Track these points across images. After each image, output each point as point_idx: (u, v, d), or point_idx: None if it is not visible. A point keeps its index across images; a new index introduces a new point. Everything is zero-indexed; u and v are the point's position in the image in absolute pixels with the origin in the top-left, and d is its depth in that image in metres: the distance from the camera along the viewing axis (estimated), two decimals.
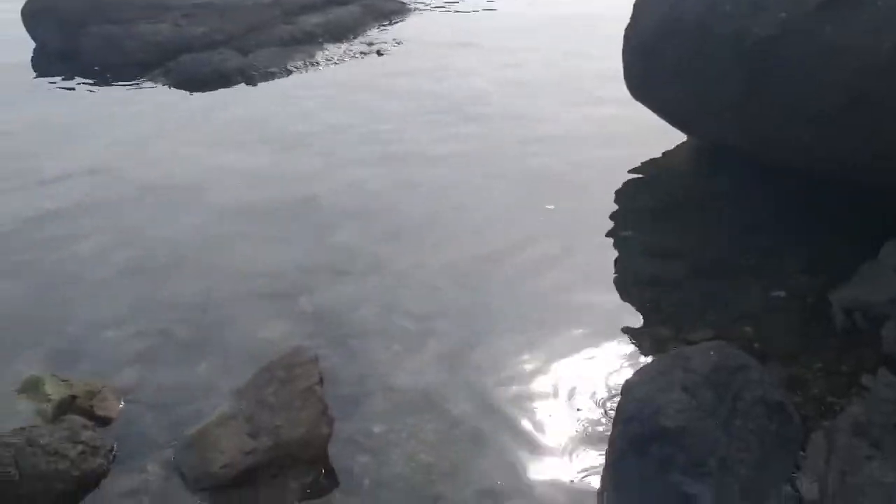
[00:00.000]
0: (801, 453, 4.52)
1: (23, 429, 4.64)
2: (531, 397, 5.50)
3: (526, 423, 5.28)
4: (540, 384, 5.62)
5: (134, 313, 6.53)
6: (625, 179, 8.69)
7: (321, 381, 5.07)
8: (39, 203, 8.57)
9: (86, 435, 4.71)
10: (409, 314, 6.47)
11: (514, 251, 7.28)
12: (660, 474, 4.07)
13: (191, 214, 8.29)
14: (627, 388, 4.63)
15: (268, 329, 6.25)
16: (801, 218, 7.31)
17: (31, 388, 5.28)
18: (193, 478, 4.64)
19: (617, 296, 6.57)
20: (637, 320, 6.18)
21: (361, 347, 6.06)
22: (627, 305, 6.40)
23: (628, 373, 5.22)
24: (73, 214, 8.36)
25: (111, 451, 4.87)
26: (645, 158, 9.11)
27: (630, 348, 5.88)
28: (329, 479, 4.90)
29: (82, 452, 4.61)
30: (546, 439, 5.16)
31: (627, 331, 6.06)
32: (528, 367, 5.78)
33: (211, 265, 7.27)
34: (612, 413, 4.93)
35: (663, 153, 9.21)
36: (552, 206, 8.10)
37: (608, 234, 7.56)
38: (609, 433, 4.56)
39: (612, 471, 4.37)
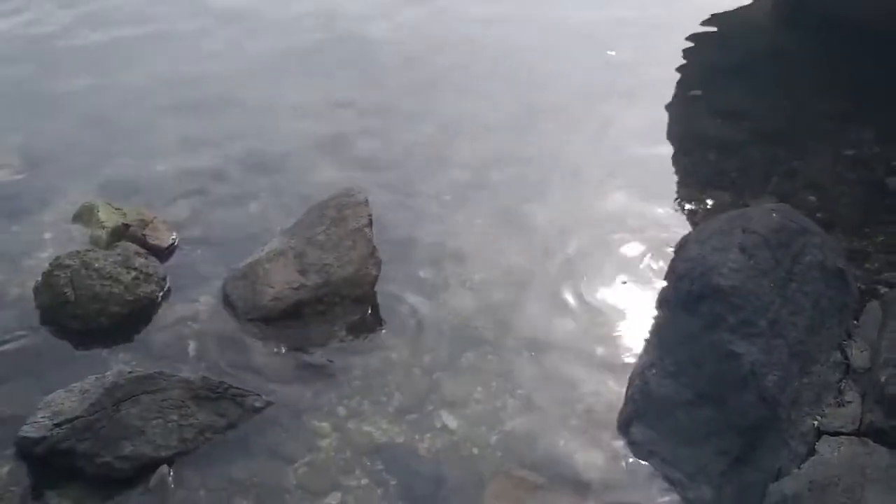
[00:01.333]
0: (855, 322, 4.41)
1: (78, 252, 4.73)
2: (582, 252, 5.43)
3: (575, 276, 5.25)
4: (591, 240, 5.54)
5: (186, 150, 6.53)
6: (695, 32, 8.19)
7: (371, 223, 5.04)
8: (93, 35, 8.47)
9: (139, 262, 4.80)
10: (463, 164, 6.36)
11: (572, 103, 7.02)
12: (708, 332, 4.01)
13: (245, 53, 8.12)
14: (681, 246, 4.52)
15: (319, 171, 6.21)
16: (881, 84, 6.87)
17: (86, 214, 5.37)
18: (243, 309, 4.73)
19: (678, 155, 6.34)
20: (697, 182, 5.98)
21: (413, 194, 6.00)
22: (688, 166, 6.19)
23: (682, 232, 5.11)
24: (129, 46, 8.26)
25: (163, 279, 4.97)
26: (718, 10, 8.55)
27: (686, 209, 5.71)
28: (375, 319, 4.97)
29: (135, 278, 4.71)
30: (595, 294, 5.14)
31: (686, 192, 5.88)
32: (581, 222, 5.68)
33: (264, 105, 7.18)
34: (664, 270, 4.86)
35: (738, 6, 8.62)
36: (613, 53, 7.73)
37: (673, 90, 7.21)
38: (659, 290, 4.48)
39: (660, 327, 4.33)
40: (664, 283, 4.47)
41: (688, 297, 4.19)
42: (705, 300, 4.09)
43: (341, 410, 4.43)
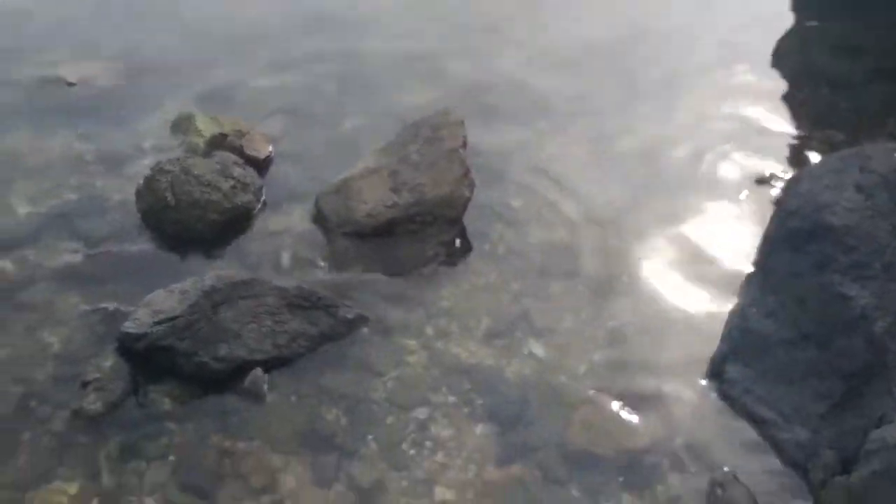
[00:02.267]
0: None
1: (178, 158, 4.81)
2: (682, 184, 5.26)
3: (674, 210, 5.10)
4: (692, 172, 5.36)
5: (283, 66, 6.51)
6: None
7: (465, 144, 4.96)
8: None
9: (236, 171, 4.84)
10: (558, 92, 6.19)
11: (682, 27, 6.71)
12: (816, 272, 3.84)
13: None
14: (793, 183, 4.32)
15: (414, 92, 6.13)
16: None
17: (184, 123, 5.44)
18: (336, 223, 4.75)
19: (788, 89, 6.03)
20: (808, 117, 5.68)
21: (508, 120, 5.88)
22: (800, 100, 5.88)
23: (789, 168, 4.89)
24: None
25: (259, 190, 5.01)
26: None
27: (797, 145, 5.45)
28: (465, 242, 4.93)
29: (233, 187, 4.76)
30: (693, 228, 5.00)
31: (796, 127, 5.61)
32: (683, 153, 5.48)
33: (357, 24, 7.09)
34: (768, 206, 4.68)
35: None
36: None
37: (785, 20, 6.81)
38: (765, 227, 4.29)
39: (763, 264, 4.16)
40: (769, 220, 4.27)
41: (796, 234, 4.01)
42: (815, 239, 3.91)
43: (430, 330, 4.44)
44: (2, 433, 3.70)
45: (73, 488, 3.53)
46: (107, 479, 3.56)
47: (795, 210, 4.09)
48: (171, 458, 3.68)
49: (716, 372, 4.06)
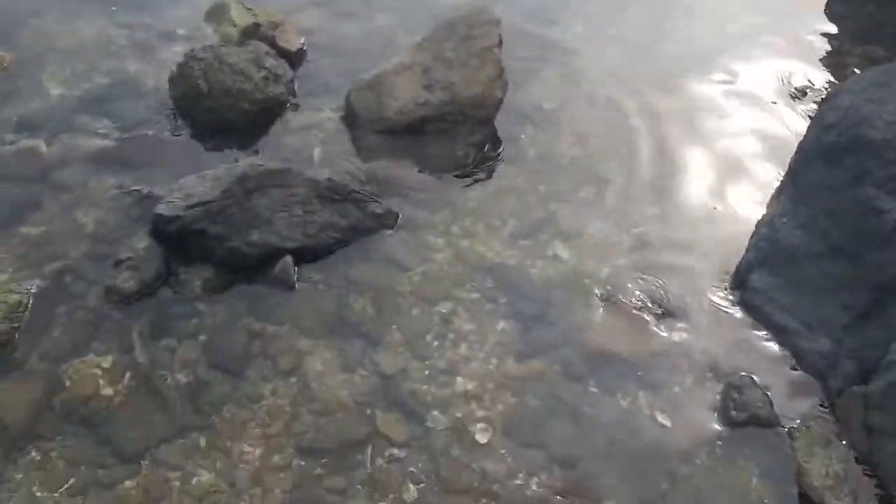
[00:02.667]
0: None
1: (211, 46, 4.77)
2: (717, 92, 5.19)
3: (707, 117, 5.05)
4: (727, 80, 5.29)
5: None
6: None
7: (500, 44, 4.88)
8: None
9: (269, 62, 4.81)
10: None
11: None
12: (851, 186, 3.79)
13: None
14: (832, 96, 4.21)
15: None
16: None
17: (217, 12, 5.37)
18: (367, 119, 4.73)
19: (832, 2, 5.84)
20: (850, 32, 5.53)
21: (545, 22, 5.76)
22: (842, 16, 5.70)
23: (828, 80, 4.79)
24: None
25: (291, 82, 4.98)
26: None
27: (836, 59, 5.31)
28: (495, 143, 4.91)
29: (265, 77, 4.73)
30: (725, 136, 4.96)
31: (837, 41, 5.45)
32: (719, 60, 5.39)
33: None
34: (803, 118, 4.61)
35: None
36: None
37: None
38: (800, 139, 4.23)
39: (796, 176, 4.12)
40: (805, 133, 4.21)
41: (833, 147, 3.94)
42: (852, 152, 3.84)
43: (456, 229, 4.47)
44: (38, 307, 3.80)
45: (106, 362, 3.65)
46: (139, 355, 3.67)
47: (833, 123, 4.01)
48: (202, 337, 3.78)
49: (740, 280, 4.08)
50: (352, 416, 3.52)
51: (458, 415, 3.57)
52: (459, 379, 3.73)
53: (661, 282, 4.22)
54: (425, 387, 3.67)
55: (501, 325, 4.00)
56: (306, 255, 4.10)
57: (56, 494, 3.16)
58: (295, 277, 4.02)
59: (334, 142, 4.76)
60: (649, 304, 4.10)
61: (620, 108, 5.16)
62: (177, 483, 3.23)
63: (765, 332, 3.94)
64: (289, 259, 3.98)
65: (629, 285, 4.19)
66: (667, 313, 4.06)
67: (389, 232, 4.35)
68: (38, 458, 3.27)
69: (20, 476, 3.21)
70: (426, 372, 3.75)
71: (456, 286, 4.16)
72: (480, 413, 3.59)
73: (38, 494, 3.16)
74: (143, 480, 3.22)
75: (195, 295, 3.93)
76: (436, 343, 3.89)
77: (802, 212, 3.96)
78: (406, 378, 3.71)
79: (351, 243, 4.25)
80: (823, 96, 4.47)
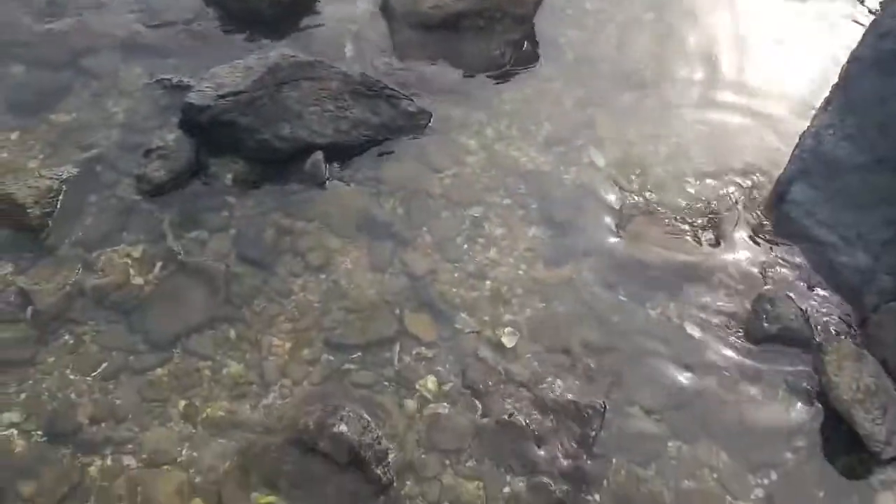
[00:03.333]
0: None
1: None
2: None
3: (753, 25, 4.84)
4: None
5: None
6: None
7: None
8: None
9: None
10: None
11: None
12: None
13: None
14: (890, 1, 4.00)
15: None
16: None
17: None
18: (401, 13, 4.58)
19: None
20: None
21: None
22: None
23: None
24: None
25: None
26: None
27: None
28: (533, 44, 4.75)
29: None
30: (770, 45, 4.77)
31: None
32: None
33: None
34: (856, 28, 4.39)
35: None
36: None
37: None
38: (853, 48, 4.04)
39: (846, 87, 3.95)
40: (858, 41, 4.01)
41: (889, 56, 3.76)
42: None
43: (490, 132, 4.37)
44: (69, 194, 3.79)
45: (136, 251, 3.65)
46: (169, 246, 3.67)
47: (890, 30, 3.82)
48: (232, 231, 3.77)
49: (780, 192, 3.98)
50: (380, 314, 3.53)
51: (486, 318, 3.56)
52: (488, 283, 3.71)
53: (697, 192, 4.14)
54: (454, 289, 3.66)
55: (532, 230, 3.95)
56: (337, 152, 4.03)
57: (89, 378, 3.21)
58: (325, 174, 3.96)
59: (367, 36, 4.62)
60: (684, 214, 4.03)
61: (665, 14, 4.95)
62: (207, 372, 3.27)
63: (801, 246, 3.86)
64: (319, 155, 3.92)
65: (665, 194, 4.11)
66: (702, 224, 3.99)
67: (422, 132, 4.27)
68: (71, 342, 3.31)
69: (53, 359, 3.26)
70: (455, 274, 3.73)
71: (488, 190, 4.10)
72: (508, 317, 3.58)
73: (72, 377, 3.21)
74: (173, 368, 3.27)
75: (225, 187, 3.90)
76: (465, 246, 3.85)
77: (850, 123, 3.82)
78: (435, 279, 3.69)
79: (382, 142, 4.17)
80: (881, 2, 4.23)
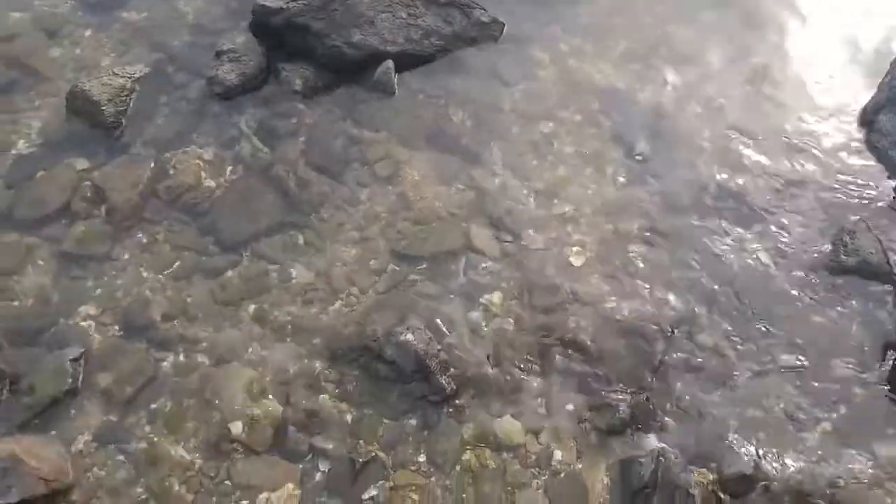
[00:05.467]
0: None
1: None
2: None
3: None
4: None
5: None
6: None
7: None
8: None
9: None
10: None
11: None
12: None
13: None
14: None
15: None
16: None
17: None
18: None
19: None
20: None
21: None
22: None
23: None
24: None
25: None
26: None
27: None
28: None
29: None
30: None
31: None
32: None
33: None
34: None
35: None
36: None
37: None
38: None
39: None
40: None
41: None
42: None
43: (564, 46, 4.25)
44: (142, 94, 3.79)
45: (208, 154, 3.67)
46: (240, 150, 3.68)
47: None
48: (302, 138, 3.75)
49: (866, 121, 3.82)
50: (447, 227, 3.50)
51: (553, 236, 3.52)
52: (556, 201, 3.65)
53: (775, 117, 3.98)
54: (521, 206, 3.61)
55: (604, 150, 3.85)
56: (407, 62, 3.96)
57: (161, 276, 3.27)
58: (395, 84, 3.90)
59: None
60: (763, 138, 3.89)
61: None
62: (275, 277, 3.30)
63: (886, 176, 3.72)
64: (390, 63, 3.85)
65: (744, 119, 3.97)
66: (782, 150, 3.85)
67: (494, 43, 4.16)
68: (145, 240, 3.37)
69: (127, 256, 3.32)
70: (523, 191, 3.67)
71: (559, 106, 4.00)
72: (576, 237, 3.53)
73: (145, 275, 3.27)
74: (243, 271, 3.31)
75: (295, 93, 3.86)
76: (535, 163, 3.79)
77: None
78: (503, 195, 3.64)
79: (453, 52, 4.09)
80: None
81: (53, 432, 2.80)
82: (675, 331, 3.19)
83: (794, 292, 3.37)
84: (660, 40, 4.27)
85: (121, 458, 2.78)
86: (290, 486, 2.74)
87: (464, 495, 2.76)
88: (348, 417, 2.91)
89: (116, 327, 3.11)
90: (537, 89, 4.06)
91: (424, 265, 3.38)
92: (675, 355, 3.14)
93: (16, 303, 3.15)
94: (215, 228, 3.41)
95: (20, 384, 2.86)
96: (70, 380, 2.87)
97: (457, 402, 2.95)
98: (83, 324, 3.10)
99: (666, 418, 2.96)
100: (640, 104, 4.02)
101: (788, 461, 2.86)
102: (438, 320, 3.16)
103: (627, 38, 4.29)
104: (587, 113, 3.99)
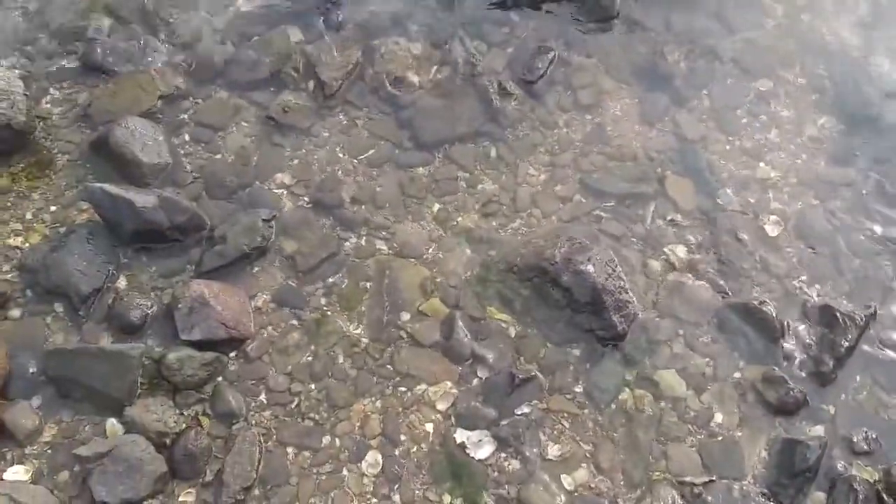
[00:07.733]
0: None
1: None
2: None
3: None
4: None
5: None
6: None
7: None
8: None
9: None
10: None
11: None
12: None
13: None
14: None
15: None
16: None
17: None
18: None
19: None
20: None
21: None
22: None
23: None
24: None
25: None
26: None
27: None
28: None
29: None
30: None
31: None
32: None
33: None
34: None
35: None
36: None
37: None
38: None
39: None
40: None
41: None
42: None
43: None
44: None
45: (417, 48, 3.69)
46: (449, 51, 3.65)
47: None
48: (510, 49, 3.71)
49: None
50: (642, 169, 3.39)
51: (752, 200, 3.34)
52: (762, 164, 3.45)
53: None
54: (724, 162, 3.44)
55: (823, 119, 3.61)
56: None
57: (355, 160, 3.33)
58: (617, 9, 3.76)
59: None
60: None
61: None
62: (463, 184, 3.30)
63: None
64: None
65: None
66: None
67: None
68: (345, 122, 3.44)
69: (327, 134, 3.40)
70: (728, 147, 3.50)
71: (782, 64, 3.75)
72: (776, 205, 3.34)
73: (340, 156, 3.34)
74: (433, 171, 3.32)
75: (511, 3, 3.79)
76: (745, 120, 3.59)
77: None
78: (706, 148, 3.48)
79: None
80: None
81: (239, 285, 2.95)
82: (867, 320, 2.98)
83: None
84: None
85: (294, 322, 2.90)
86: (449, 384, 2.79)
87: (615, 434, 2.73)
88: (512, 332, 2.91)
89: (307, 199, 3.20)
90: (762, 41, 3.82)
91: (612, 203, 3.29)
92: (862, 347, 2.94)
93: (218, 156, 3.30)
94: (413, 125, 3.42)
95: (214, 234, 3.01)
96: (260, 238, 2.99)
97: (624, 344, 2.89)
98: (276, 190, 3.22)
99: (839, 408, 2.80)
100: (874, 79, 3.71)
101: None
102: (617, 261, 3.08)
103: (875, 2, 3.94)
104: (812, 77, 3.72)
